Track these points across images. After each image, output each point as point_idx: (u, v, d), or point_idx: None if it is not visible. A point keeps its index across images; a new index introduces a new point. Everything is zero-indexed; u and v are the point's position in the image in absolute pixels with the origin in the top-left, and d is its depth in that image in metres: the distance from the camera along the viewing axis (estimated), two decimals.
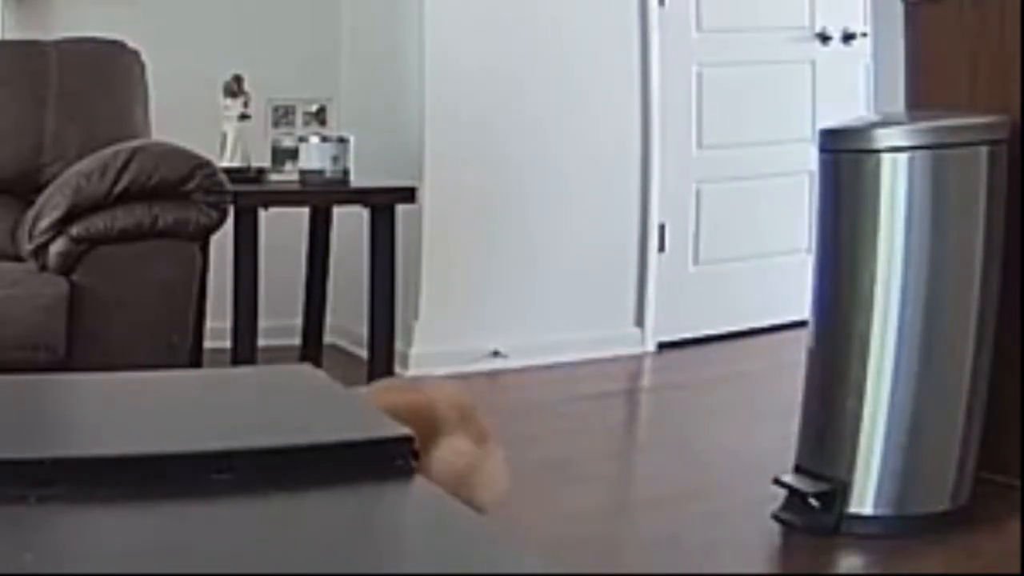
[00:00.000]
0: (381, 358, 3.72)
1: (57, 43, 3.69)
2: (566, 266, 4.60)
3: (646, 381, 4.58)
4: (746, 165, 4.92)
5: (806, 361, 2.92)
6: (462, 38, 4.40)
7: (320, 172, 3.67)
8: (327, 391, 1.62)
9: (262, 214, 3.61)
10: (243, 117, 3.82)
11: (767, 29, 4.96)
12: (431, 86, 4.36)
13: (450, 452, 2.16)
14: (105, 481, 1.23)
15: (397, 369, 3.93)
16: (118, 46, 3.72)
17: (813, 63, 5.02)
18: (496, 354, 4.45)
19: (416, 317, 4.40)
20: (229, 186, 3.20)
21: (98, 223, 3.06)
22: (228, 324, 3.57)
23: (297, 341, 4.17)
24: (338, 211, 4.04)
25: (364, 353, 3.85)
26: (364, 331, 3.82)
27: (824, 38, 4.99)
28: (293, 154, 3.78)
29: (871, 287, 2.75)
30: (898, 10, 3.25)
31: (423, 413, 2.12)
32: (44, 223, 3.08)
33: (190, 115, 3.85)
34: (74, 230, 3.05)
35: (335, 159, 3.67)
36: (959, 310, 2.77)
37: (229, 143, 3.79)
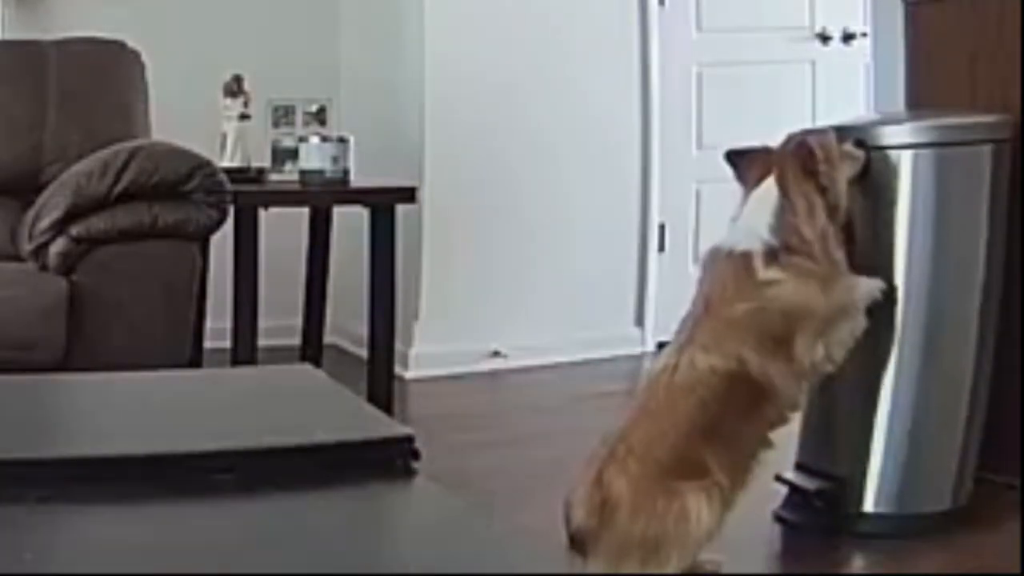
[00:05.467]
0: (381, 358, 3.72)
1: (57, 43, 3.69)
2: (566, 266, 4.59)
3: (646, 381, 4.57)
4: None
5: None
6: (462, 38, 4.40)
7: (320, 172, 3.66)
8: (327, 391, 1.63)
9: (262, 214, 3.60)
10: (243, 117, 3.81)
11: (767, 29, 4.95)
12: (431, 86, 4.35)
13: None
14: (105, 481, 1.23)
15: (397, 369, 3.93)
16: (118, 46, 3.72)
17: (813, 63, 5.01)
18: (496, 354, 4.44)
19: (416, 317, 4.40)
20: (229, 186, 3.19)
21: (98, 223, 3.05)
22: (228, 324, 3.57)
23: (297, 341, 4.17)
24: (338, 211, 4.03)
25: (364, 353, 3.85)
26: (364, 331, 3.82)
27: (824, 38, 4.99)
28: (293, 154, 3.77)
29: None
30: (898, 10, 3.25)
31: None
32: (44, 223, 3.08)
33: (190, 115, 3.85)
34: (74, 230, 3.05)
35: (335, 159, 3.67)
36: (961, 309, 2.77)
37: (229, 143, 3.78)
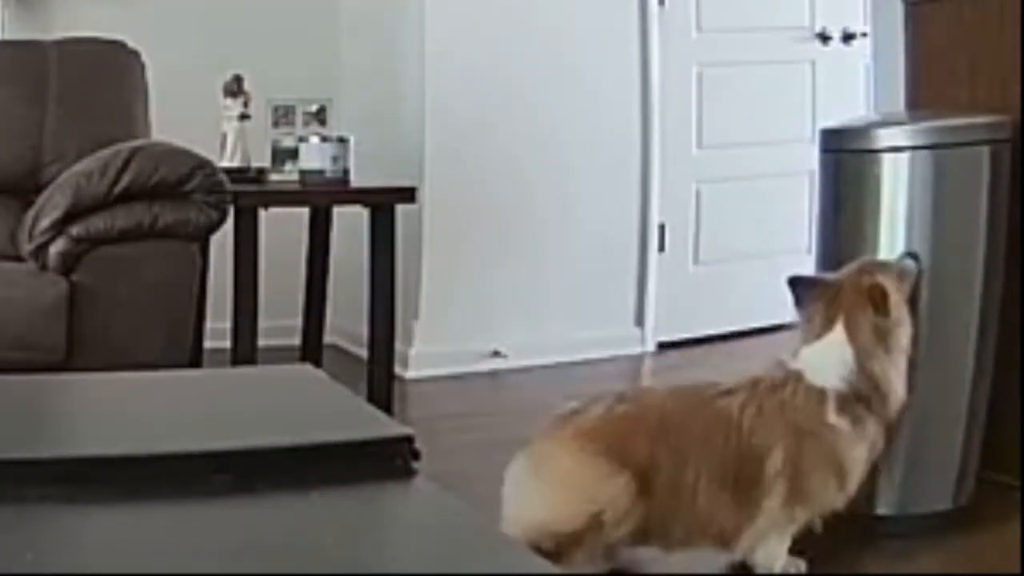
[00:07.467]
0: (381, 358, 3.72)
1: (57, 43, 3.69)
2: (566, 266, 4.60)
3: (646, 381, 4.57)
4: (746, 165, 4.91)
5: None
6: (462, 38, 4.40)
7: (320, 172, 3.66)
8: (327, 391, 1.62)
9: (262, 214, 3.60)
10: (243, 117, 3.81)
11: (767, 29, 4.96)
12: (431, 86, 4.36)
13: None
14: (105, 481, 1.23)
15: (397, 369, 3.93)
16: (118, 46, 3.72)
17: (813, 63, 5.02)
18: (496, 354, 4.44)
19: (416, 317, 4.40)
20: (229, 186, 3.19)
21: (98, 223, 3.05)
22: (228, 324, 3.57)
23: (297, 341, 4.17)
24: (338, 211, 4.03)
25: (364, 353, 3.85)
26: (364, 331, 3.82)
27: (824, 38, 4.99)
28: (293, 154, 3.77)
29: None
30: (898, 10, 3.25)
31: None
32: (44, 223, 3.08)
33: (190, 115, 3.85)
34: (74, 230, 3.05)
35: (335, 159, 3.67)
36: (961, 309, 2.77)
37: (229, 143, 3.79)
